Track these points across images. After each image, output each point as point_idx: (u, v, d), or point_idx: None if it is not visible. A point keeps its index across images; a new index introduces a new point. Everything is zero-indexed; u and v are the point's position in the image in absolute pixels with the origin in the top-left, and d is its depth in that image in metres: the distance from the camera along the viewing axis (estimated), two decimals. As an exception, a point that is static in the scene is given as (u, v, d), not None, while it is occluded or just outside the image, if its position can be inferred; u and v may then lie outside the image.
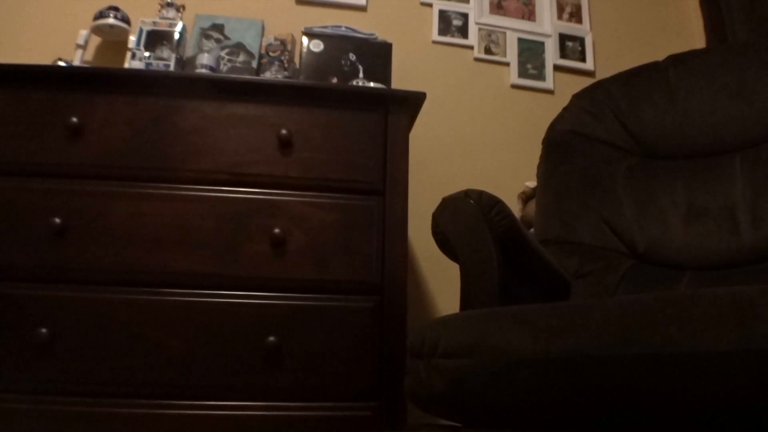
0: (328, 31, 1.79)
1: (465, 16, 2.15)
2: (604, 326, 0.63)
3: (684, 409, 0.58)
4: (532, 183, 1.84)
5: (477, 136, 2.06)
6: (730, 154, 1.30)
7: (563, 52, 2.19)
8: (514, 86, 2.14)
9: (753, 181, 1.23)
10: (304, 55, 1.73)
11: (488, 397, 0.70)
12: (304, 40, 1.75)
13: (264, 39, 1.86)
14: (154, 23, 1.69)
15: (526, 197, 1.93)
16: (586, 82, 2.06)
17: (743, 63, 1.33)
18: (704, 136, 1.33)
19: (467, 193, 1.00)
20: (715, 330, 0.56)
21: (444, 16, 2.14)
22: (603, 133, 1.42)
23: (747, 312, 0.56)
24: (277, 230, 1.33)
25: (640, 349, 0.59)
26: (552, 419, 0.67)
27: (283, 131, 1.40)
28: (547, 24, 2.20)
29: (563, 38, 2.20)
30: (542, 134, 1.53)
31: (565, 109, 1.52)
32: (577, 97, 1.51)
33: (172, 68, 1.61)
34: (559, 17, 2.23)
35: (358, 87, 1.56)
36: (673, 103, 1.38)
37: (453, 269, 1.33)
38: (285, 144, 1.41)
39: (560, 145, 1.45)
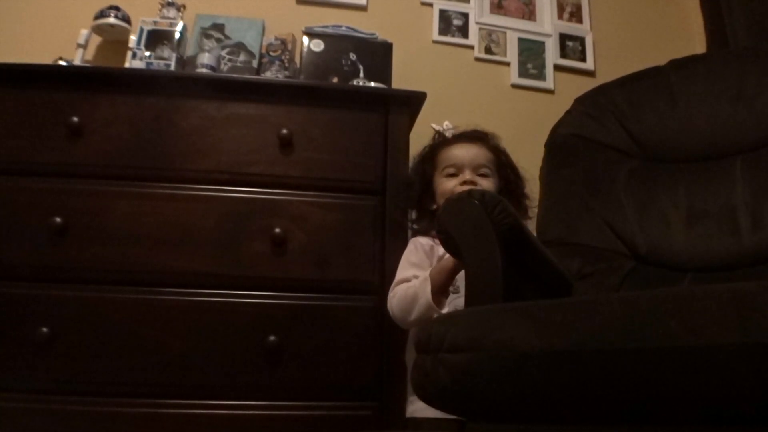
0: (329, 30, 1.79)
1: (465, 16, 2.15)
2: (607, 321, 0.64)
3: (685, 403, 0.59)
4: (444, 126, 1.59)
5: (477, 135, 2.06)
6: (731, 158, 1.30)
7: (563, 52, 2.19)
8: (515, 86, 2.13)
9: (753, 184, 1.24)
10: (304, 54, 1.73)
11: (493, 390, 0.71)
12: (305, 39, 1.75)
13: (264, 38, 1.85)
14: (155, 23, 1.68)
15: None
16: (586, 81, 2.07)
17: (744, 68, 1.34)
18: (705, 140, 1.34)
19: (470, 193, 1.01)
20: (715, 324, 0.57)
21: (444, 15, 2.14)
22: (605, 137, 1.43)
23: (747, 306, 0.56)
24: (277, 230, 1.33)
25: (642, 343, 0.60)
26: (556, 413, 0.68)
27: (284, 131, 1.40)
28: (547, 24, 2.20)
29: (563, 38, 2.20)
30: (542, 134, 1.53)
31: (567, 112, 1.52)
32: (579, 101, 1.52)
33: (172, 68, 1.60)
34: (560, 17, 2.23)
35: (358, 87, 1.57)
36: (674, 107, 1.39)
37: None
38: (285, 144, 1.41)
39: (562, 148, 1.46)
